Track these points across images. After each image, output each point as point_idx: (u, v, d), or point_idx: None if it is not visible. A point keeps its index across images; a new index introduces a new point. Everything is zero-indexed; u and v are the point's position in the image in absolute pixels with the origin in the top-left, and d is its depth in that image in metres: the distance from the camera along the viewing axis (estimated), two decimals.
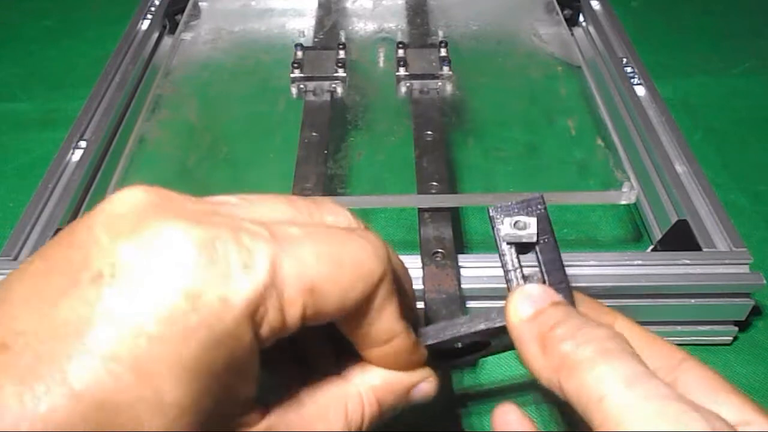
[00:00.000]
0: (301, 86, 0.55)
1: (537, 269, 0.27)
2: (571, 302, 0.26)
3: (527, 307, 0.25)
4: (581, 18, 0.67)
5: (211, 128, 0.54)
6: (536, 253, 0.27)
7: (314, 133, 0.50)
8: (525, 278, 0.27)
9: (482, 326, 0.27)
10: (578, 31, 0.66)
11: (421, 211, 0.44)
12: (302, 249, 0.21)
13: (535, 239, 0.26)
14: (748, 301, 0.41)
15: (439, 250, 0.41)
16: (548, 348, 0.23)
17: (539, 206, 0.27)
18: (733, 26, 0.75)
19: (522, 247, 0.27)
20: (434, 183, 0.45)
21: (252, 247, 0.21)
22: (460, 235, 0.50)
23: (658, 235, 0.47)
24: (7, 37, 0.74)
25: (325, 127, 0.51)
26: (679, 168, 0.48)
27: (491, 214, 0.27)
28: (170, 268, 0.20)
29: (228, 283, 0.20)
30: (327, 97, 0.54)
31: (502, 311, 0.26)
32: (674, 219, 0.46)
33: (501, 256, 0.27)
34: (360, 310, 0.23)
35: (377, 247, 0.23)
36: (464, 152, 0.54)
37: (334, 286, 0.22)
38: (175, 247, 0.20)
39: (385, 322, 0.24)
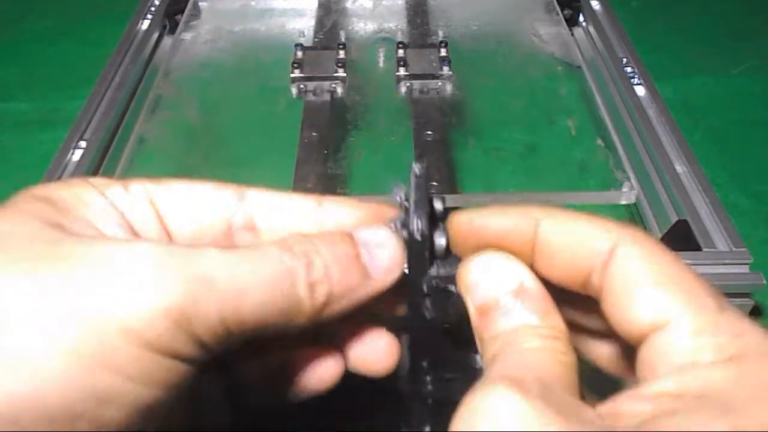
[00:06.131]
0: (301, 86, 0.55)
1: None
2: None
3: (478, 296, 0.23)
4: (581, 18, 0.67)
5: (211, 128, 0.54)
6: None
7: (314, 133, 0.50)
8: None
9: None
10: (578, 31, 0.66)
11: None
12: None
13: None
14: (748, 301, 0.41)
15: None
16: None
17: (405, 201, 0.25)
18: (733, 26, 0.75)
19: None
20: (434, 183, 0.45)
21: None
22: None
23: (658, 235, 0.47)
24: (7, 36, 0.74)
25: (325, 127, 0.51)
26: (679, 168, 0.48)
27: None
28: None
29: None
30: (327, 97, 0.54)
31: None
32: (674, 219, 0.46)
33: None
34: None
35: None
36: (464, 152, 0.54)
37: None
38: None
39: None
